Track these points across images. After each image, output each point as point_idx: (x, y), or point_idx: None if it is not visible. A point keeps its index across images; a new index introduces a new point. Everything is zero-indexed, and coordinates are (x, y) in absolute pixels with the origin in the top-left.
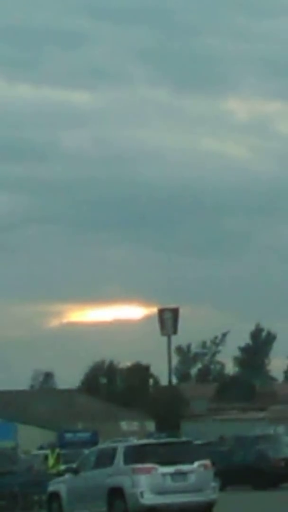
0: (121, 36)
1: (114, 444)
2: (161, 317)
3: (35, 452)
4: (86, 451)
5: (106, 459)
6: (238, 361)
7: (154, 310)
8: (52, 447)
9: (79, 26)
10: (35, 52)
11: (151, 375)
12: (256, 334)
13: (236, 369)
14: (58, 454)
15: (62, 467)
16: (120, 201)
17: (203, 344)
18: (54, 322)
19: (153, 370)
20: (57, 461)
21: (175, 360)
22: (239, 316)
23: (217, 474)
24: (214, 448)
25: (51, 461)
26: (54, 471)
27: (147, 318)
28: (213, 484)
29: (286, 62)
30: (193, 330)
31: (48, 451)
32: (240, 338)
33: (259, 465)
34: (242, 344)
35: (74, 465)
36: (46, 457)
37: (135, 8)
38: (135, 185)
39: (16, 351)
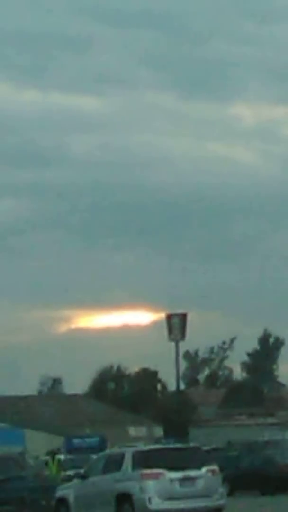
0: (128, 42)
1: (122, 450)
2: (169, 323)
3: (44, 457)
4: (94, 457)
5: (114, 464)
6: (246, 367)
7: (162, 315)
8: (52, 453)
9: (87, 31)
10: (43, 58)
11: (159, 381)
12: (264, 339)
13: (244, 374)
14: (59, 461)
15: (66, 472)
16: (128, 206)
17: (211, 350)
18: (62, 328)
19: (161, 375)
20: (59, 467)
21: (183, 365)
22: (247, 321)
23: (225, 480)
24: (222, 453)
25: (53, 469)
26: (58, 477)
27: (155, 324)
28: (221, 489)
29: None
30: (201, 336)
31: (47, 458)
32: (248, 343)
33: (267, 471)
34: (250, 350)
35: (82, 471)
36: (46, 463)
37: (142, 13)
38: (142, 191)
39: (24, 357)
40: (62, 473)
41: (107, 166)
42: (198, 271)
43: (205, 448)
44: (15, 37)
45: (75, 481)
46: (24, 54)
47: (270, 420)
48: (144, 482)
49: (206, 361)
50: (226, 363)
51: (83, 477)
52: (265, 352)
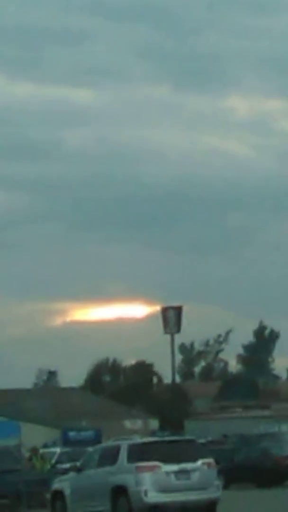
0: (122, 34)
1: (117, 442)
2: (164, 315)
3: (40, 450)
4: (90, 449)
5: (109, 457)
6: (242, 359)
7: (157, 308)
8: (33, 449)
9: (80, 24)
10: (36, 51)
11: (155, 373)
12: (259, 332)
13: (240, 367)
14: (41, 456)
15: (49, 465)
16: (123, 199)
17: (207, 342)
18: (58, 321)
19: (157, 368)
20: (43, 461)
21: (178, 358)
22: (243, 314)
23: (220, 472)
24: (218, 446)
25: (37, 464)
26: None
27: (151, 317)
28: (216, 482)
29: (287, 59)
30: (196, 328)
31: (30, 453)
32: (243, 336)
33: (262, 463)
34: (246, 342)
35: (77, 463)
36: (30, 459)
37: (136, 5)
38: (137, 183)
39: (19, 350)
40: (58, 466)
41: (102, 159)
42: (193, 263)
43: (200, 441)
44: (9, 30)
45: (71, 474)
46: (18, 47)
47: (265, 412)
48: (139, 474)
49: (201, 354)
50: (222, 355)
51: (79, 470)
52: (261, 344)
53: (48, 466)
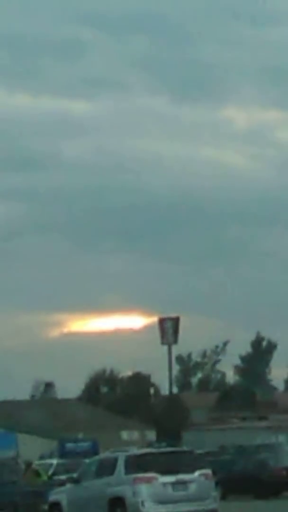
0: (119, 45)
1: (114, 454)
2: (161, 326)
3: (36, 462)
4: (87, 461)
5: (107, 468)
6: (239, 370)
7: (154, 319)
8: (26, 462)
9: (78, 35)
10: (34, 62)
11: (152, 384)
12: (256, 343)
13: (237, 378)
14: (34, 470)
15: (45, 477)
16: (120, 210)
17: (204, 353)
18: (55, 332)
19: (154, 379)
20: (36, 474)
21: (175, 369)
22: (240, 325)
23: (218, 484)
24: (215, 457)
25: (32, 479)
26: (38, 482)
27: (148, 328)
28: (214, 493)
29: (285, 70)
30: (193, 339)
31: (54, 461)
32: (240, 347)
33: (260, 474)
34: (243, 353)
35: (75, 475)
36: (25, 471)
37: (133, 17)
38: (134, 194)
39: (16, 361)
40: (55, 477)
41: (99, 170)
42: (190, 274)
43: (198, 452)
44: (6, 41)
45: (68, 485)
46: (15, 59)
47: (262, 423)
48: (136, 486)
49: (198, 365)
50: (219, 366)
51: (76, 481)
52: (258, 355)
53: (45, 478)
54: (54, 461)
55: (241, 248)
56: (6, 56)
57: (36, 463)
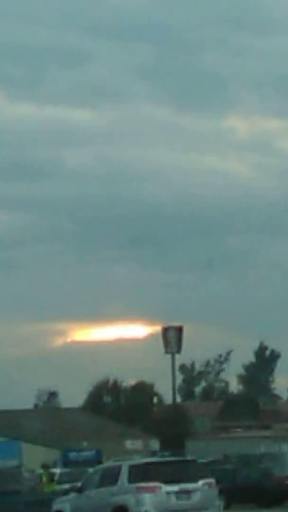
0: (122, 54)
1: (118, 463)
2: (164, 336)
3: (40, 471)
4: (91, 470)
5: (110, 477)
6: (242, 379)
7: (157, 328)
8: (44, 467)
9: (81, 44)
10: (37, 71)
11: (155, 394)
12: (260, 352)
13: (240, 387)
14: (51, 474)
15: (57, 486)
16: (123, 219)
17: (207, 363)
18: (58, 341)
19: (157, 388)
20: (51, 480)
21: (179, 378)
22: (243, 334)
23: (221, 493)
24: (219, 466)
25: (44, 480)
26: (48, 490)
27: (151, 337)
28: (217, 502)
29: (287, 80)
30: (197, 349)
31: (41, 471)
32: (244, 356)
33: (263, 483)
34: (246, 362)
35: (78, 484)
36: (40, 477)
37: (136, 26)
38: (137, 203)
39: (20, 370)
40: (58, 486)
41: (102, 179)
42: (193, 284)
43: (201, 461)
44: (10, 50)
45: (72, 494)
46: (18, 67)
47: (266, 432)
48: (140, 495)
49: (202, 374)
50: (222, 376)
51: (80, 490)
52: (261, 364)
53: (55, 487)
54: (58, 470)
55: (244, 257)
56: (9, 65)
57: (38, 472)
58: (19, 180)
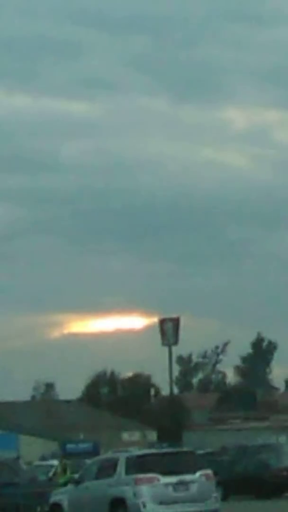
0: (119, 46)
1: (116, 455)
2: (162, 327)
3: (37, 462)
4: (88, 462)
5: (108, 469)
6: (239, 371)
7: (155, 320)
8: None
9: (77, 36)
10: (33, 63)
11: (153, 385)
12: (257, 343)
13: (238, 378)
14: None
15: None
16: (120, 211)
17: (204, 354)
18: (56, 333)
19: (154, 380)
20: (64, 471)
21: (176, 370)
22: (240, 325)
23: (219, 484)
24: (216, 457)
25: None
26: (62, 481)
27: (148, 328)
28: (215, 494)
29: (284, 71)
30: (194, 340)
31: (55, 461)
32: (241, 347)
33: (261, 475)
34: (244, 354)
35: (76, 476)
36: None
37: (132, 17)
38: (135, 195)
39: (17, 362)
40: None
41: (99, 171)
42: (190, 275)
43: (199, 452)
44: (5, 42)
45: (69, 486)
46: (14, 60)
47: (263, 424)
48: (138, 487)
49: (199, 366)
50: (219, 367)
51: (77, 482)
52: (258, 356)
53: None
54: (55, 462)
55: (241, 248)
56: (5, 57)
57: (36, 464)
58: (16, 172)
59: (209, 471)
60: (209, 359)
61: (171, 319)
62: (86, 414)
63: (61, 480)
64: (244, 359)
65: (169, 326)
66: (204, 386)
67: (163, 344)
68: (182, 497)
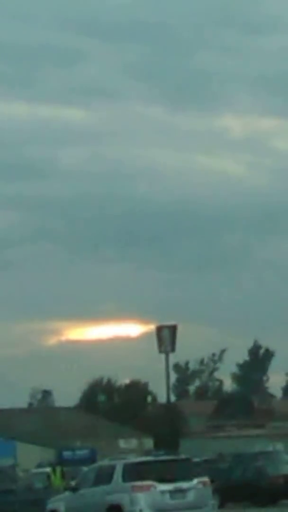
0: (116, 53)
1: (112, 462)
2: (159, 335)
3: (34, 470)
4: (85, 469)
5: (105, 476)
6: (236, 378)
7: (152, 327)
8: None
9: (74, 44)
10: (30, 70)
11: (149, 393)
12: (254, 350)
13: (235, 386)
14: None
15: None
16: (117, 218)
17: (201, 361)
18: (52, 340)
19: (151, 387)
20: (62, 477)
21: (173, 377)
22: (237, 333)
23: (216, 491)
24: (213, 465)
25: (56, 480)
26: (60, 486)
27: (145, 336)
28: (211, 501)
29: (280, 78)
30: (191, 347)
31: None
32: (238, 355)
33: (258, 482)
34: (240, 361)
35: (73, 483)
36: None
37: (129, 25)
38: (131, 202)
39: (14, 369)
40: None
41: (95, 178)
42: (187, 283)
43: (195, 460)
44: (3, 49)
45: (66, 493)
46: (11, 66)
47: (260, 431)
48: (134, 494)
49: (196, 373)
50: (216, 374)
51: (74, 489)
52: (255, 363)
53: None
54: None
55: (238, 256)
56: (2, 64)
57: (33, 471)
58: (13, 179)
59: (205, 478)
60: (206, 367)
61: (168, 327)
62: (83, 422)
63: (60, 485)
64: (241, 367)
65: (166, 333)
66: (201, 393)
67: (160, 351)
68: (179, 504)
